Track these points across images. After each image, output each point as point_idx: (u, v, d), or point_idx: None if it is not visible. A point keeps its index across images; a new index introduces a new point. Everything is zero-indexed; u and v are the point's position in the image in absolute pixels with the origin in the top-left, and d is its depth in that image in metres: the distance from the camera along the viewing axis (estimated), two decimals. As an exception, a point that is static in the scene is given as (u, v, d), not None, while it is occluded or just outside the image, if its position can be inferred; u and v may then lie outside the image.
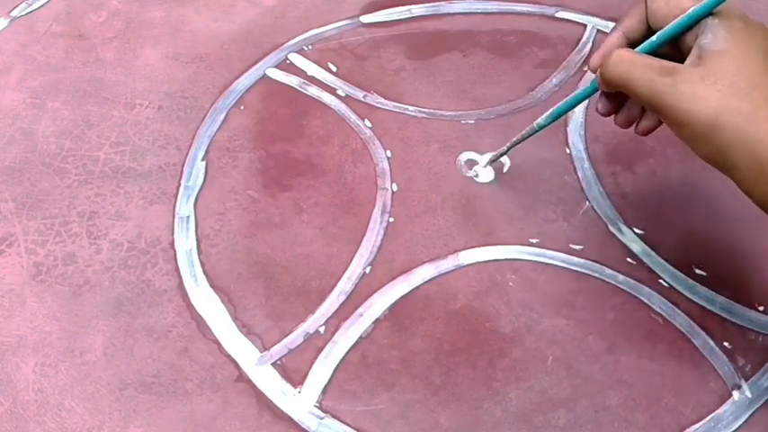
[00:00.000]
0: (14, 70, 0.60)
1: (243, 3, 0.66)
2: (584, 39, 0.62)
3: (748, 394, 0.42)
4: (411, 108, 0.57)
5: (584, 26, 0.64)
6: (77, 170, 0.53)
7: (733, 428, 0.41)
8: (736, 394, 0.42)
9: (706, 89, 0.34)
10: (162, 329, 0.45)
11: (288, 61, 0.60)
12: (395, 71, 0.60)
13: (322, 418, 0.41)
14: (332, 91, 0.58)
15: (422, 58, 0.61)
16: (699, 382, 0.43)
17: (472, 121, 0.56)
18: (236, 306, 0.46)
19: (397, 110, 0.57)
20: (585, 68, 0.60)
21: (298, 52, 0.61)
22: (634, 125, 0.43)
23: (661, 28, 0.38)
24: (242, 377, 0.43)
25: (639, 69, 0.36)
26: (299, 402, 0.42)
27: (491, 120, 0.56)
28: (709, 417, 0.42)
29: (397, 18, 0.64)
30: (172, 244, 0.49)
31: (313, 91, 0.58)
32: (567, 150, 0.54)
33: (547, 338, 0.45)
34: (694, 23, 0.37)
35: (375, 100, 0.58)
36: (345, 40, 0.62)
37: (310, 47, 0.62)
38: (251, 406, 0.42)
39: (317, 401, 0.42)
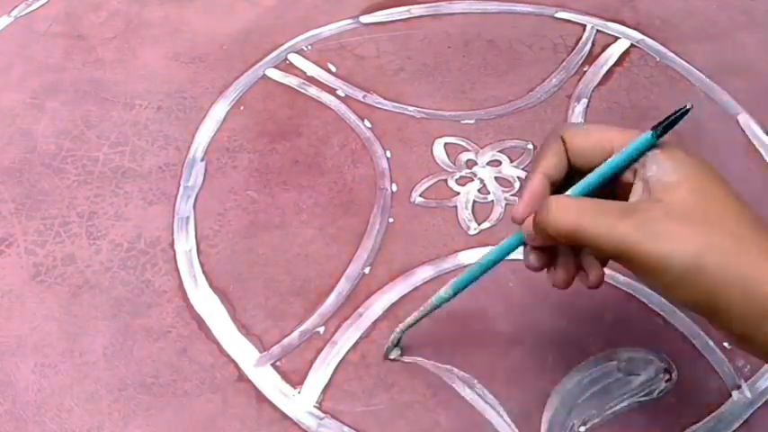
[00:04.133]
0: (14, 70, 0.60)
1: (242, 3, 0.66)
2: (583, 39, 0.62)
3: (748, 394, 0.42)
4: (411, 108, 0.57)
5: (584, 26, 0.64)
6: (77, 170, 0.53)
7: (733, 428, 0.41)
8: (735, 394, 0.42)
9: (679, 226, 0.30)
10: (161, 330, 0.45)
11: (287, 61, 0.60)
12: (394, 71, 0.60)
13: (321, 419, 0.41)
14: (331, 91, 0.58)
15: (422, 59, 0.61)
16: (699, 382, 0.43)
17: (472, 121, 0.56)
18: (235, 306, 0.46)
19: (397, 110, 0.57)
20: (585, 69, 0.60)
21: (297, 52, 0.61)
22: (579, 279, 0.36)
23: (584, 165, 0.34)
24: (241, 377, 0.43)
25: (591, 217, 0.31)
26: (298, 403, 0.42)
27: (491, 120, 0.56)
28: (709, 417, 0.41)
29: (397, 18, 0.64)
30: (171, 244, 0.49)
31: (313, 91, 0.58)
32: (567, 150, 0.54)
33: (547, 338, 0.45)
34: (640, 156, 0.33)
35: (375, 100, 0.58)
36: (345, 41, 0.62)
37: (310, 47, 0.62)
38: (250, 406, 0.42)
39: (316, 402, 0.42)
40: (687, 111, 0.31)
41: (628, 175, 0.33)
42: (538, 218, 0.33)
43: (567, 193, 0.34)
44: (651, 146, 0.32)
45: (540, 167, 0.35)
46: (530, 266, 0.36)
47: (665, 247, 0.29)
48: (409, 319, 0.41)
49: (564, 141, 0.34)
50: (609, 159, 0.33)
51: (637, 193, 0.32)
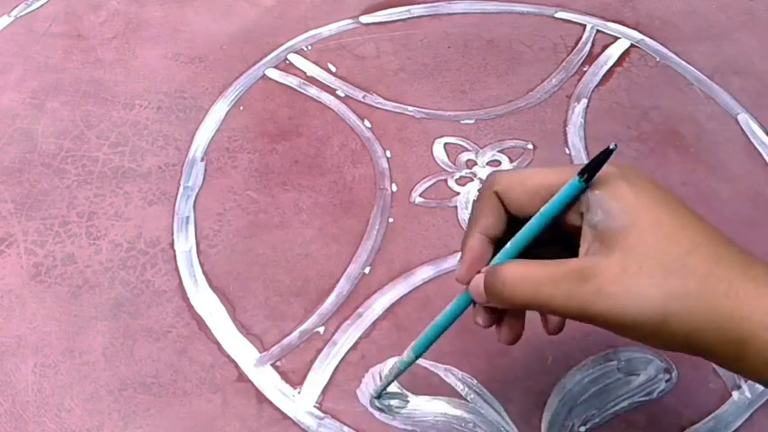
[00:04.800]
0: (14, 70, 0.60)
1: (242, 3, 0.66)
2: (583, 39, 0.62)
3: (748, 395, 0.42)
4: (410, 108, 0.57)
5: (584, 26, 0.64)
6: (77, 170, 0.53)
7: (733, 428, 0.41)
8: (735, 394, 0.42)
9: (638, 282, 0.28)
10: (161, 330, 0.45)
11: (287, 62, 0.60)
12: (394, 71, 0.60)
13: (321, 419, 0.41)
14: (331, 91, 0.58)
15: (421, 59, 0.61)
16: (699, 382, 0.43)
17: (472, 122, 0.56)
18: (235, 306, 0.46)
19: (397, 110, 0.57)
20: (585, 69, 0.60)
21: (297, 53, 0.61)
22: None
23: (525, 215, 0.32)
24: (241, 377, 0.43)
25: (547, 286, 0.29)
26: (298, 402, 0.42)
27: (490, 120, 0.56)
28: (709, 417, 0.41)
29: (397, 18, 0.64)
30: (171, 244, 0.49)
31: (312, 91, 0.58)
32: (567, 151, 0.54)
33: (547, 338, 0.45)
34: (572, 202, 0.30)
35: (375, 100, 0.58)
36: (345, 41, 0.62)
37: (310, 47, 0.62)
38: (250, 406, 0.42)
39: (316, 402, 0.42)
40: (611, 152, 0.29)
41: (572, 217, 0.31)
42: (490, 288, 0.31)
43: (506, 250, 0.32)
44: (583, 190, 0.30)
45: (477, 227, 0.33)
46: (479, 324, 0.35)
47: (628, 306, 0.28)
48: (380, 385, 0.41)
49: (498, 195, 0.33)
50: (541, 209, 0.31)
51: (587, 239, 0.30)
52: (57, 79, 0.59)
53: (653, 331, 0.28)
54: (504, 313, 0.35)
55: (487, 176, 0.34)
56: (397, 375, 0.40)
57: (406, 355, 0.38)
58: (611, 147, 0.29)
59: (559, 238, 0.32)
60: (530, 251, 0.32)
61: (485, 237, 0.33)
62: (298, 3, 0.66)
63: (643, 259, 0.28)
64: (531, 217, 0.32)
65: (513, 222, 0.33)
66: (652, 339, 0.29)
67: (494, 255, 0.33)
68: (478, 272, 0.33)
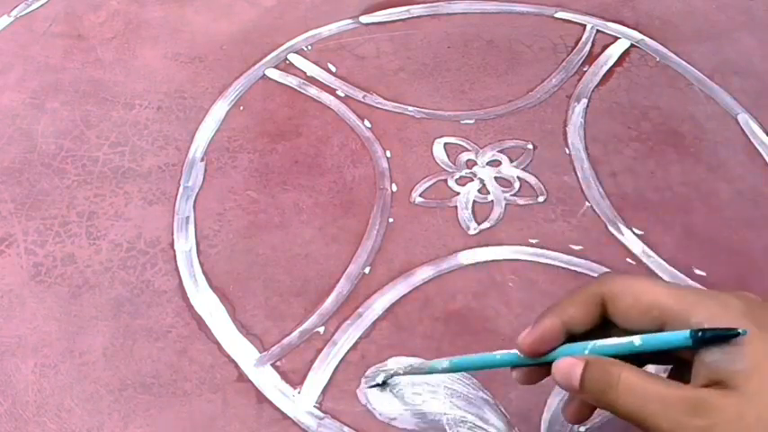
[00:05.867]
0: (14, 70, 0.60)
1: (242, 3, 0.66)
2: (583, 39, 0.62)
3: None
4: (410, 108, 0.57)
5: (584, 26, 0.64)
6: (77, 170, 0.53)
7: (733, 428, 0.41)
8: (735, 394, 0.42)
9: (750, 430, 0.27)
10: (161, 330, 0.45)
11: (287, 62, 0.60)
12: (394, 71, 0.60)
13: (321, 419, 0.41)
14: (331, 91, 0.58)
15: (421, 59, 0.61)
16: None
17: (471, 122, 0.56)
18: (235, 306, 0.46)
19: (397, 110, 0.57)
20: (585, 69, 0.60)
21: (297, 53, 0.61)
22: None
23: (631, 328, 0.31)
24: (241, 377, 0.43)
25: (656, 405, 0.28)
26: (298, 402, 0.42)
27: (490, 120, 0.56)
28: (708, 417, 0.41)
29: (397, 18, 0.64)
30: (171, 244, 0.49)
31: (312, 91, 0.58)
32: (567, 151, 0.54)
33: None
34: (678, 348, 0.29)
35: (374, 100, 0.58)
36: (345, 41, 0.62)
37: (310, 47, 0.62)
38: (250, 406, 0.42)
39: (316, 402, 0.42)
40: (736, 334, 0.28)
41: (683, 352, 0.30)
42: (594, 383, 0.30)
43: (605, 344, 0.31)
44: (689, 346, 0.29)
45: (563, 313, 0.32)
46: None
47: None
48: (399, 369, 0.41)
49: (604, 298, 0.31)
50: (648, 339, 0.30)
51: (700, 374, 0.29)
52: (57, 79, 0.59)
53: None
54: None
55: (601, 275, 0.33)
56: (421, 372, 0.39)
57: (442, 362, 0.37)
58: (740, 331, 0.28)
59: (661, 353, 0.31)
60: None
61: (564, 326, 0.32)
62: (298, 3, 0.66)
63: (764, 409, 0.27)
64: (629, 329, 0.31)
65: (603, 327, 0.32)
66: None
67: (566, 341, 0.32)
68: (547, 351, 0.32)
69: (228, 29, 0.63)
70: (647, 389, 0.29)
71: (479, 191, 0.52)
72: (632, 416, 0.29)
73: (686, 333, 0.29)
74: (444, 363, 0.37)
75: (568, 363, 0.31)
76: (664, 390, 0.29)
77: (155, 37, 0.63)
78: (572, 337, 0.32)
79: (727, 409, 0.27)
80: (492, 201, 0.51)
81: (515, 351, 0.33)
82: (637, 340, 0.30)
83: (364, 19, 0.64)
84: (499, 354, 0.35)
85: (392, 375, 0.41)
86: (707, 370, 0.29)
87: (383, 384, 0.42)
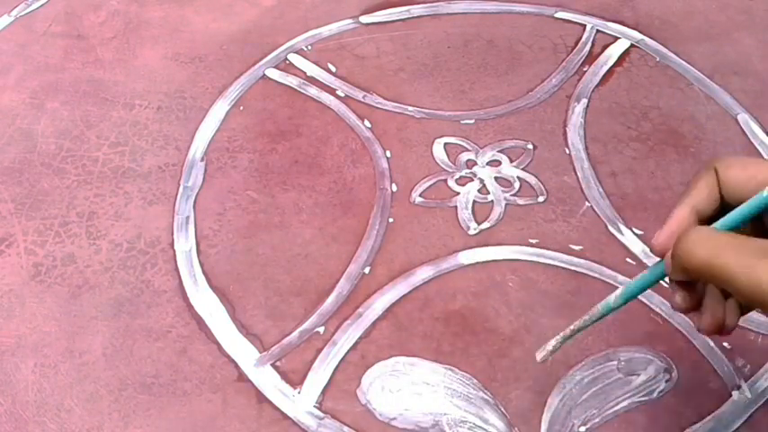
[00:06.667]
0: (13, 70, 0.60)
1: (242, 3, 0.66)
2: (583, 39, 0.62)
3: (748, 394, 0.42)
4: (410, 108, 0.57)
5: (584, 26, 0.64)
6: (77, 170, 0.53)
7: (733, 428, 0.41)
8: (735, 394, 0.42)
9: None
10: (161, 330, 0.45)
11: (287, 62, 0.60)
12: (394, 71, 0.60)
13: (321, 419, 0.41)
14: (331, 91, 0.58)
15: (421, 59, 0.61)
16: (699, 382, 0.43)
17: (471, 122, 0.56)
18: (235, 306, 0.46)
19: (397, 110, 0.57)
20: (585, 69, 0.60)
21: (297, 53, 0.61)
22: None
23: (739, 200, 0.31)
24: (241, 377, 0.43)
25: (729, 253, 0.29)
26: (298, 402, 0.42)
27: (490, 120, 0.56)
28: (709, 417, 0.41)
29: (397, 18, 0.64)
30: (171, 244, 0.49)
31: (312, 91, 0.58)
32: (567, 151, 0.54)
33: (547, 338, 0.44)
34: None
35: (374, 100, 0.58)
36: (345, 41, 0.62)
37: (310, 47, 0.62)
38: (250, 406, 0.42)
39: (316, 402, 0.42)
40: None
41: None
42: (674, 248, 0.31)
43: (711, 226, 0.31)
44: None
45: (688, 198, 0.32)
46: (674, 307, 0.33)
47: None
48: (572, 327, 0.38)
49: (717, 173, 0.32)
50: (757, 195, 0.30)
51: None
52: (57, 79, 0.59)
53: None
54: (703, 298, 0.33)
55: (714, 158, 0.33)
56: (592, 322, 0.37)
57: (613, 298, 0.35)
58: None
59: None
60: None
61: (693, 210, 0.32)
62: (298, 3, 0.66)
63: None
64: (741, 200, 0.31)
65: (723, 210, 0.32)
66: None
67: None
68: None
69: (228, 29, 0.63)
70: (720, 239, 0.29)
71: (479, 191, 0.52)
72: (706, 268, 0.29)
73: None
74: (611, 301, 0.35)
75: (664, 235, 0.32)
76: (738, 240, 0.29)
77: (155, 37, 0.63)
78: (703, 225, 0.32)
79: None
80: (492, 201, 0.51)
81: (660, 262, 0.33)
82: (741, 207, 0.31)
83: (364, 19, 0.64)
84: (648, 271, 0.34)
85: (562, 342, 0.38)
86: None
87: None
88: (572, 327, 0.37)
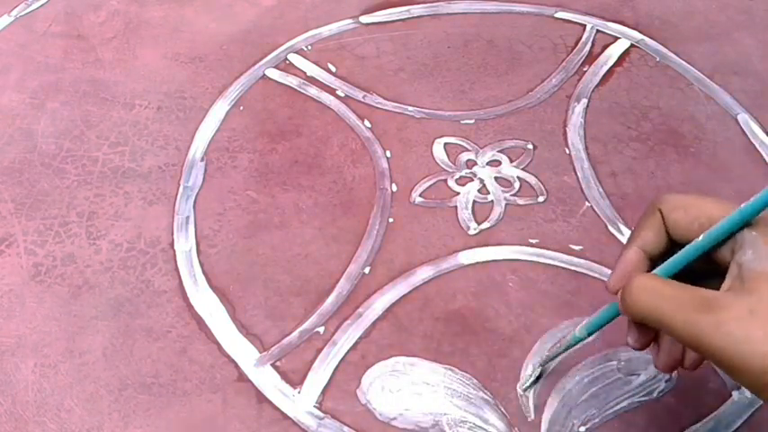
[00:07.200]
0: (13, 70, 0.60)
1: (242, 3, 0.66)
2: (583, 39, 0.62)
3: (748, 395, 0.42)
4: (410, 108, 0.57)
5: (584, 26, 0.64)
6: (77, 170, 0.53)
7: (733, 428, 0.41)
8: (735, 394, 0.42)
9: (761, 329, 0.27)
10: (161, 330, 0.45)
11: (287, 62, 0.60)
12: (394, 71, 0.60)
13: (321, 419, 0.41)
14: (331, 91, 0.58)
15: (421, 59, 0.61)
16: (699, 382, 0.43)
17: (471, 122, 0.56)
18: (235, 306, 0.46)
19: (397, 110, 0.57)
20: (585, 69, 0.60)
21: (297, 53, 0.61)
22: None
23: (684, 240, 0.32)
24: (241, 377, 0.43)
25: (670, 304, 0.29)
26: (298, 403, 0.42)
27: (490, 120, 0.56)
28: (708, 417, 0.41)
29: (397, 18, 0.64)
30: (171, 244, 0.49)
31: (312, 91, 0.58)
32: (567, 151, 0.54)
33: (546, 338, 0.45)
34: (727, 237, 0.30)
35: (374, 100, 0.58)
36: (345, 41, 0.62)
37: (310, 47, 0.62)
38: (250, 406, 0.42)
39: (316, 402, 0.42)
40: None
41: (725, 254, 0.31)
42: (621, 296, 0.32)
43: (655, 270, 0.32)
44: (740, 227, 0.30)
45: (637, 239, 0.33)
46: (630, 345, 0.34)
47: (743, 350, 0.27)
48: (546, 354, 0.41)
49: (662, 214, 0.33)
50: (696, 239, 0.31)
51: (732, 275, 0.30)
52: (57, 79, 0.59)
53: (758, 381, 0.27)
54: (659, 335, 0.34)
55: (657, 196, 0.34)
56: (564, 350, 0.40)
57: (578, 330, 0.38)
58: None
59: (713, 274, 0.31)
60: (682, 280, 0.31)
61: (642, 252, 0.33)
62: (298, 3, 0.66)
63: None
64: (686, 241, 0.32)
65: (673, 248, 0.33)
66: (756, 388, 0.28)
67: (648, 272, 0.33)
68: None
69: (228, 29, 0.63)
70: (662, 290, 0.30)
71: (479, 191, 0.52)
72: (648, 317, 0.30)
73: (735, 214, 0.30)
74: (576, 332, 0.38)
75: (616, 276, 0.33)
76: (678, 290, 0.30)
77: (155, 37, 0.63)
78: (654, 265, 0.33)
79: (739, 307, 0.28)
80: (492, 201, 0.51)
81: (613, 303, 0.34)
82: (686, 248, 0.31)
83: (364, 19, 0.64)
84: (605, 308, 0.35)
85: (542, 369, 0.42)
86: (736, 273, 0.30)
87: (538, 379, 0.42)
88: (547, 354, 0.41)
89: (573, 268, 0.47)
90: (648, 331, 0.33)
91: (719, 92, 0.58)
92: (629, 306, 0.31)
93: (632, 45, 0.62)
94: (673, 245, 0.33)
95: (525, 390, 0.42)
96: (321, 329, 0.45)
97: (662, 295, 0.30)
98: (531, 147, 0.54)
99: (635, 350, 0.35)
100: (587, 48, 0.62)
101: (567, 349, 0.40)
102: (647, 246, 0.33)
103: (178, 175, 0.53)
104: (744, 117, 0.56)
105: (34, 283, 0.47)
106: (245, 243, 0.49)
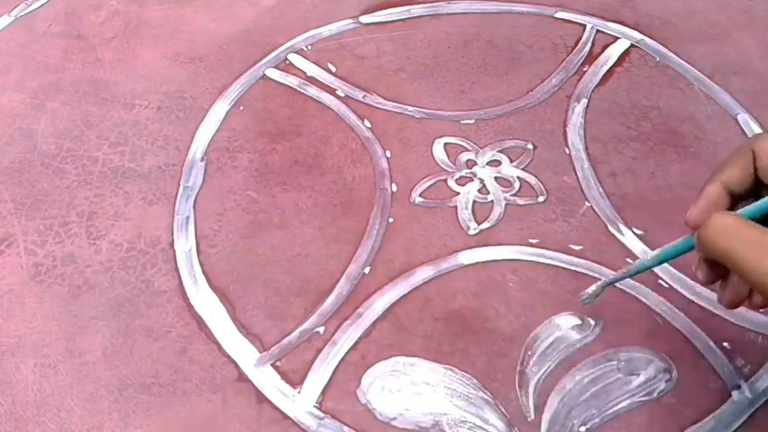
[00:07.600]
0: (13, 70, 0.60)
1: (242, 3, 0.66)
2: (583, 39, 0.62)
3: (748, 394, 0.42)
4: (410, 108, 0.57)
5: (584, 26, 0.64)
6: (77, 170, 0.53)
7: (733, 428, 0.41)
8: (735, 394, 0.42)
9: None
10: (161, 330, 0.45)
11: (287, 62, 0.60)
12: (394, 71, 0.60)
13: (321, 419, 0.41)
14: (331, 91, 0.58)
15: (421, 59, 0.61)
16: (699, 382, 0.43)
17: (471, 122, 0.56)
18: (235, 306, 0.46)
19: (397, 110, 0.57)
20: (585, 69, 0.60)
21: (297, 53, 0.61)
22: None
23: None
24: (241, 377, 0.43)
25: (744, 245, 0.29)
26: (298, 403, 0.42)
27: (490, 120, 0.56)
28: (709, 417, 0.41)
29: (397, 18, 0.64)
30: (171, 244, 0.49)
31: (312, 91, 0.58)
32: (567, 151, 0.54)
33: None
34: None
35: (374, 100, 0.58)
36: (345, 41, 0.62)
37: (310, 47, 0.62)
38: (250, 406, 0.42)
39: (316, 402, 0.42)
40: None
41: None
42: (699, 232, 0.31)
43: (739, 211, 0.32)
44: None
45: (721, 176, 0.33)
46: (698, 280, 0.34)
47: None
48: (611, 277, 0.40)
49: (754, 154, 0.32)
50: None
51: None
52: (57, 79, 0.59)
53: None
54: (728, 273, 0.33)
55: (753, 137, 0.33)
56: (629, 275, 0.39)
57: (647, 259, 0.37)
58: None
59: None
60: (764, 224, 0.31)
61: (725, 188, 0.33)
62: (298, 3, 0.66)
63: None
64: None
65: (757, 189, 0.33)
66: None
67: (730, 209, 0.33)
68: None
69: (228, 29, 0.63)
70: (739, 229, 0.30)
71: (479, 191, 0.52)
72: (723, 255, 0.30)
73: None
74: (646, 260, 0.37)
75: (696, 211, 0.33)
76: (756, 232, 0.29)
77: (155, 37, 0.63)
78: (734, 202, 0.33)
79: None
80: (492, 201, 0.51)
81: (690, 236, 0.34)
82: None
83: (364, 19, 0.64)
84: (681, 239, 0.35)
85: (602, 288, 0.40)
86: None
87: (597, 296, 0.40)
88: (612, 276, 0.39)
89: (573, 268, 0.47)
90: (719, 268, 0.33)
91: (719, 92, 0.58)
92: (706, 243, 0.31)
93: (632, 45, 0.62)
94: (758, 186, 0.32)
95: (585, 303, 0.40)
96: (321, 329, 0.45)
97: (739, 237, 0.29)
98: (531, 147, 0.54)
99: (702, 285, 0.35)
100: (587, 48, 0.62)
101: (633, 275, 0.38)
102: (732, 183, 0.32)
103: (178, 175, 0.53)
104: (744, 117, 0.56)
105: (34, 283, 0.47)
106: (245, 243, 0.49)
